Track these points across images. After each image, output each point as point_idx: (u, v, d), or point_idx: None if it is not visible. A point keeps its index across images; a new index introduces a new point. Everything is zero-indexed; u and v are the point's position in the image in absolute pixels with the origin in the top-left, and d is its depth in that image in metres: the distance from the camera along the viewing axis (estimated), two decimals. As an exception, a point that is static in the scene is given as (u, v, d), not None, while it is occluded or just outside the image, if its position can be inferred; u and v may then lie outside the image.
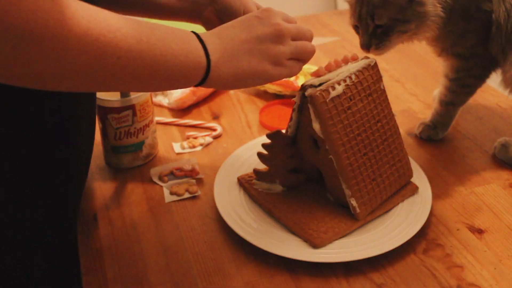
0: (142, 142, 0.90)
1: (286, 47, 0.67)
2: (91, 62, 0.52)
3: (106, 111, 0.87)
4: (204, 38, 0.62)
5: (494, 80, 0.93)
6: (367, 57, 0.78)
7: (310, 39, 0.70)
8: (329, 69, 0.75)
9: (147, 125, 0.90)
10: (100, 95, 0.86)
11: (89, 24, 0.51)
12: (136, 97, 0.86)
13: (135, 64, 0.55)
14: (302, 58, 0.69)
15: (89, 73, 0.53)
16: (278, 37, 0.66)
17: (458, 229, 0.77)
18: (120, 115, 0.87)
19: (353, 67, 0.75)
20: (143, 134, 0.90)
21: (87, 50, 0.51)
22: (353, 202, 0.74)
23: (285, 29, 0.66)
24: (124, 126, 0.88)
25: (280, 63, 0.66)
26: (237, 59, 0.64)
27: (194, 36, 0.62)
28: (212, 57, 0.62)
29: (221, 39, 0.64)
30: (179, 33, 0.60)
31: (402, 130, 0.98)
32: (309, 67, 1.10)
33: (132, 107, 0.87)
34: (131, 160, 0.91)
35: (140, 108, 0.87)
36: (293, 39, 0.68)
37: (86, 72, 0.53)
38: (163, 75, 0.59)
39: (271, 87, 1.10)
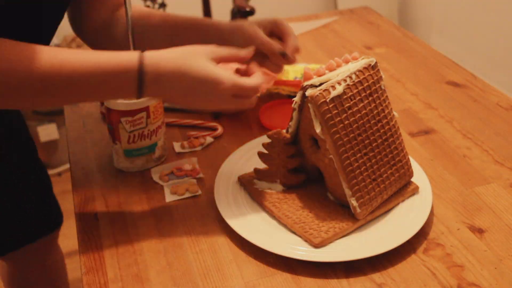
0: (155, 144, 0.90)
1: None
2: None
3: (120, 115, 0.85)
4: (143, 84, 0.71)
5: (494, 80, 0.93)
6: (367, 57, 0.78)
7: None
8: (329, 68, 0.75)
9: (159, 127, 0.89)
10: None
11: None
12: (150, 98, 0.85)
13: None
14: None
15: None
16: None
17: (458, 229, 0.77)
18: (134, 118, 0.85)
19: (353, 67, 0.75)
20: (156, 135, 0.89)
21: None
22: (354, 202, 0.74)
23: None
24: (138, 129, 0.87)
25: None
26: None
27: (134, 81, 0.71)
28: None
29: (161, 89, 0.72)
30: (115, 83, 0.70)
31: (402, 130, 0.99)
32: (309, 66, 1.10)
33: (146, 109, 0.86)
34: (144, 162, 0.90)
35: (153, 109, 0.87)
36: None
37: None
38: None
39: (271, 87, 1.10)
